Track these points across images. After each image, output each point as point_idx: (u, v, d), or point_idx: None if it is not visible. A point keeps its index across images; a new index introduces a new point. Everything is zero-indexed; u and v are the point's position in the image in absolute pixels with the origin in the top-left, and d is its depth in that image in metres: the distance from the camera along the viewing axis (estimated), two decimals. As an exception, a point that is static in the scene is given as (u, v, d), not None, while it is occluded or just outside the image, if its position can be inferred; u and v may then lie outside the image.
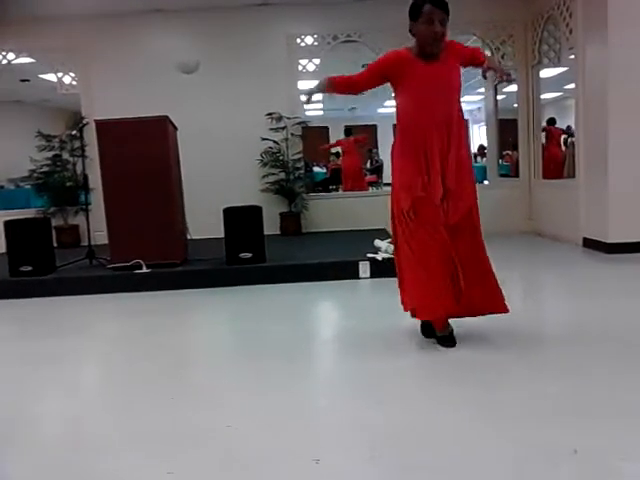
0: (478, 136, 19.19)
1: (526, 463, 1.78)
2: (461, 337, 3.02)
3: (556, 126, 10.44)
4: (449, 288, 2.89)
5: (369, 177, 14.46)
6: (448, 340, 2.97)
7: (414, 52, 2.92)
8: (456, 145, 2.90)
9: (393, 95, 3.07)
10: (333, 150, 14.05)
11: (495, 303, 2.99)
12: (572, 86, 6.37)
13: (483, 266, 2.97)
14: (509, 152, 12.72)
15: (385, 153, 17.58)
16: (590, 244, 5.77)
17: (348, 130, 11.88)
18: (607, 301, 3.83)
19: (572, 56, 6.14)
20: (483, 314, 3.03)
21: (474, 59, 3.00)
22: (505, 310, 3.00)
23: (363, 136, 12.15)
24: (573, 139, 8.32)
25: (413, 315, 3.05)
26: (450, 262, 2.89)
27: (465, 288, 2.89)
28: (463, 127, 3.01)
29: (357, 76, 3.06)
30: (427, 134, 2.88)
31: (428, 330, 3.08)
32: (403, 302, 3.09)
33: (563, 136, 11.18)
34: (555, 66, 7.53)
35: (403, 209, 2.92)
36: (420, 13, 2.80)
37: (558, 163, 9.61)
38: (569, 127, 11.43)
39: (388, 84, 3.03)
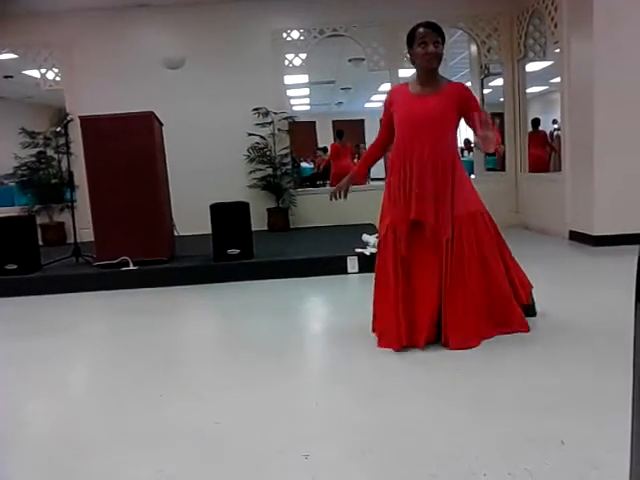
0: (464, 130, 19.26)
1: (515, 455, 1.79)
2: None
3: (539, 128, 10.42)
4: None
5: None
6: None
7: (411, 86, 3.00)
8: (441, 181, 2.90)
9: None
10: (320, 145, 14.03)
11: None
12: (558, 80, 6.40)
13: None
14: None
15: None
16: (576, 237, 5.81)
17: (340, 132, 11.87)
18: (593, 293, 3.85)
19: (557, 50, 6.16)
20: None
21: (471, 119, 2.85)
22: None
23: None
24: (559, 132, 8.36)
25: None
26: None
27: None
28: (450, 166, 2.93)
29: (377, 139, 3.22)
30: (411, 164, 2.92)
31: None
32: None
33: (551, 129, 11.21)
34: (541, 60, 7.58)
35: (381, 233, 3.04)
36: (414, 37, 2.92)
37: (543, 163, 9.64)
38: (555, 121, 11.49)
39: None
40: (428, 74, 2.93)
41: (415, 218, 2.91)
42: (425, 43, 2.86)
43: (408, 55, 3.03)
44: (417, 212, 2.91)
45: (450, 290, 2.86)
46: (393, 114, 3.02)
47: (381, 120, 3.18)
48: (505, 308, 2.99)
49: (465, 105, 2.91)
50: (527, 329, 3.00)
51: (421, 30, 2.89)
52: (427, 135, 2.89)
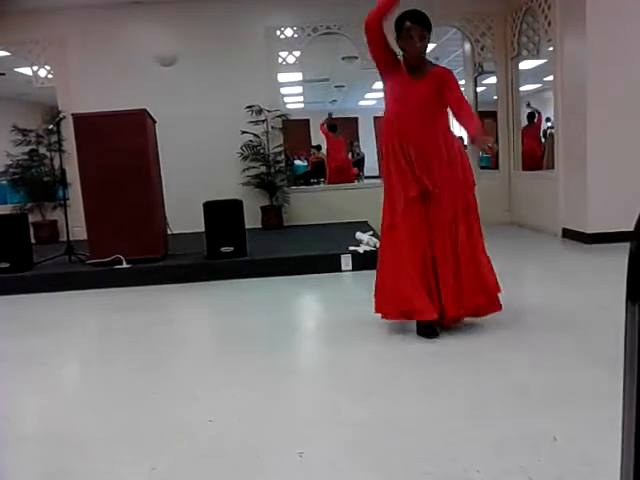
0: (458, 128, 19.26)
1: (508, 452, 1.80)
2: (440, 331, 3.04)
3: (534, 121, 10.46)
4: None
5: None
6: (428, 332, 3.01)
7: (403, 65, 3.04)
8: (433, 156, 2.98)
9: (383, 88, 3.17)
10: (314, 143, 14.05)
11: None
12: (551, 78, 6.41)
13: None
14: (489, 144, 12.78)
15: (366, 146, 17.61)
16: (570, 235, 5.83)
17: (333, 126, 11.89)
18: (586, 291, 3.87)
19: (551, 48, 6.18)
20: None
21: (458, 110, 2.91)
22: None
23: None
24: (552, 130, 8.38)
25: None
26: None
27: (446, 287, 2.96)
28: (442, 145, 3.01)
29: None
30: (402, 140, 2.99)
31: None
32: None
33: (544, 126, 11.24)
34: (534, 58, 7.59)
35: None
36: (401, 29, 2.93)
37: (536, 157, 9.66)
38: (548, 119, 11.52)
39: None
40: (416, 62, 2.99)
41: (424, 190, 2.97)
42: (412, 37, 2.90)
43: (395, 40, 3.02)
44: (426, 183, 2.97)
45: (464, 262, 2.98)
46: (386, 74, 3.05)
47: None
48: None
49: (445, 88, 2.94)
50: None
51: (408, 24, 2.90)
52: (418, 118, 2.97)
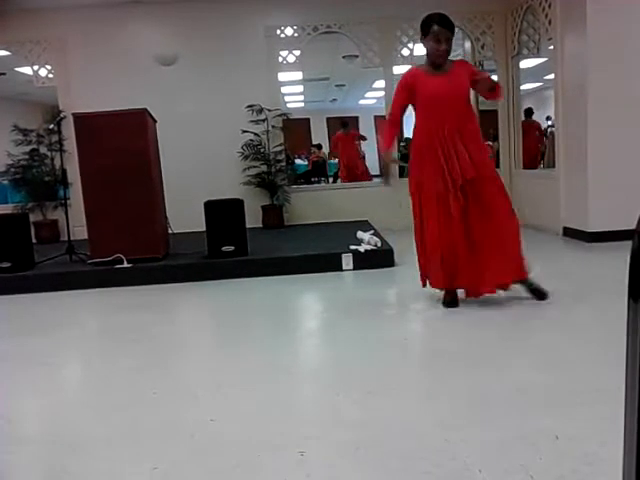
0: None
1: (509, 451, 1.80)
2: (441, 329, 3.04)
3: (533, 118, 10.46)
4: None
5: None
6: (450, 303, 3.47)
7: (424, 67, 3.40)
8: (469, 140, 3.31)
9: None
10: (315, 142, 14.11)
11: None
12: (552, 77, 6.40)
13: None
14: (490, 143, 12.78)
15: (367, 145, 17.59)
16: (571, 233, 5.83)
17: (345, 122, 12.18)
18: (587, 290, 3.87)
19: (551, 47, 6.17)
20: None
21: (484, 81, 3.30)
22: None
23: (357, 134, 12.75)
24: (553, 129, 8.37)
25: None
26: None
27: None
28: (471, 128, 3.37)
29: (393, 118, 3.53)
30: (435, 136, 3.30)
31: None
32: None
33: (544, 125, 11.23)
34: (535, 57, 7.57)
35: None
36: (429, 32, 3.25)
37: (533, 155, 9.66)
38: (549, 117, 11.52)
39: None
40: (441, 61, 3.31)
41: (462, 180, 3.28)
42: (439, 41, 3.21)
43: (420, 40, 3.43)
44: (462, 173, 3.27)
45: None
46: (414, 95, 3.36)
47: (394, 101, 3.50)
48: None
49: (473, 76, 3.30)
50: None
51: (435, 28, 3.20)
52: (449, 111, 3.28)
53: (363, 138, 12.77)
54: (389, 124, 3.60)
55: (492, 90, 3.27)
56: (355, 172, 11.39)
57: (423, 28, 3.30)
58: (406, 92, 3.39)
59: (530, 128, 9.91)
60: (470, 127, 3.35)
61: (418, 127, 3.42)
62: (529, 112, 10.17)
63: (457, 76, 3.28)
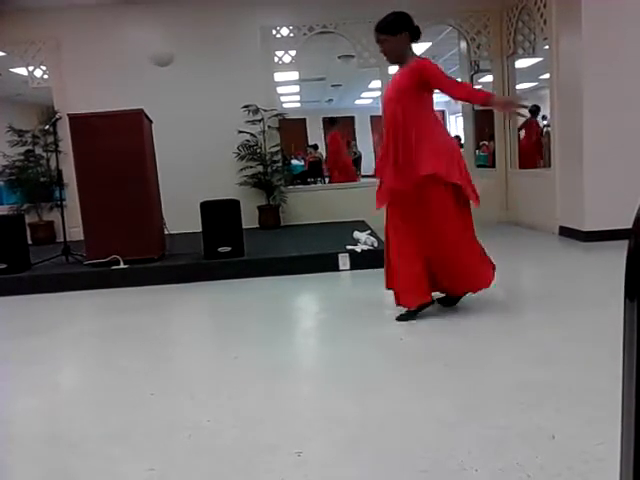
0: (455, 127, 19.31)
1: (505, 449, 1.80)
2: (437, 327, 3.04)
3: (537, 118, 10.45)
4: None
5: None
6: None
7: None
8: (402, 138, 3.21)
9: None
10: (311, 142, 14.11)
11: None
12: (547, 76, 6.41)
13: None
14: (486, 142, 12.79)
15: (363, 145, 17.61)
16: (566, 232, 5.84)
17: (333, 119, 12.07)
18: (583, 289, 3.88)
19: (547, 46, 6.18)
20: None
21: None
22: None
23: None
24: (549, 129, 8.38)
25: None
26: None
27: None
28: (408, 123, 3.20)
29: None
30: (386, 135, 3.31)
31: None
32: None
33: (541, 124, 11.23)
34: (530, 56, 7.58)
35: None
36: None
37: (526, 154, 9.66)
38: (544, 117, 11.52)
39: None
40: (390, 60, 3.37)
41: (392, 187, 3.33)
42: (379, 42, 3.29)
43: None
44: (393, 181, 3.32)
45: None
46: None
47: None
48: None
49: (420, 76, 3.13)
50: None
51: (374, 33, 3.30)
52: (393, 106, 3.23)
53: (349, 144, 12.87)
54: (462, 83, 3.52)
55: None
56: (346, 171, 11.39)
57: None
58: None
59: (534, 126, 9.92)
60: (407, 127, 3.20)
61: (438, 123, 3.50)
62: (536, 110, 10.14)
63: (401, 75, 3.25)
